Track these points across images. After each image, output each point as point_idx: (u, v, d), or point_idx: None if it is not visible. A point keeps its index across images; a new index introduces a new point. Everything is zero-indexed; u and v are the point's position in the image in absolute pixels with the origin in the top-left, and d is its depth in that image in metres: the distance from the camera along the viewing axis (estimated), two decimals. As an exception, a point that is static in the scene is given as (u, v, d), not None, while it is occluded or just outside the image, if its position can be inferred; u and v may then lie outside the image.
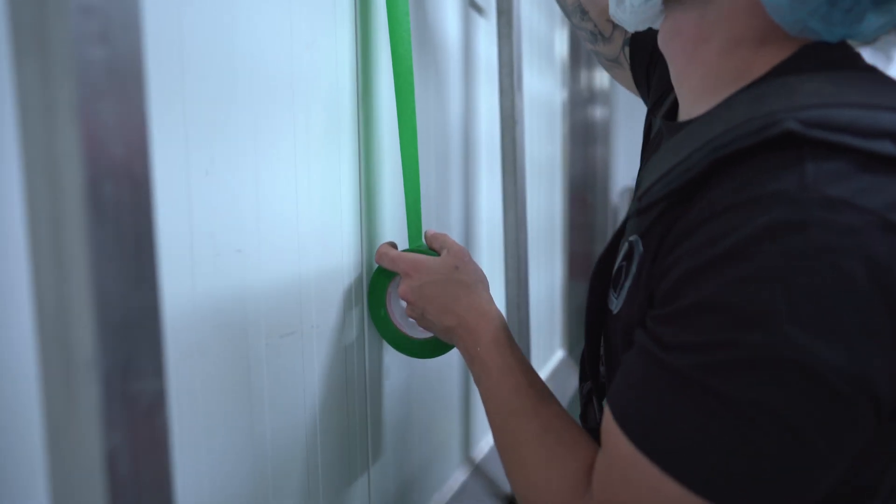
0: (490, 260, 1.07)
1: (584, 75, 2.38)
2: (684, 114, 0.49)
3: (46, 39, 0.25)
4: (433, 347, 0.66)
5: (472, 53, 0.96)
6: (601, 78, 2.52)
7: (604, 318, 0.52)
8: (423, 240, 0.67)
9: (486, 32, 1.02)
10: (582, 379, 0.60)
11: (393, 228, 0.71)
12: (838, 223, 0.32)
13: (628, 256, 0.46)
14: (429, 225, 0.81)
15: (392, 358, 0.73)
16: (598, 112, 2.56)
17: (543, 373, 1.54)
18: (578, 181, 2.35)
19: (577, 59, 2.20)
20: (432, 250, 0.64)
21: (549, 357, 1.63)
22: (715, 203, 0.36)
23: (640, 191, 0.43)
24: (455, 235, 0.91)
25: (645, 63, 0.69)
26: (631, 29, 0.51)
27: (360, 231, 0.64)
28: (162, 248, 0.40)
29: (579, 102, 2.29)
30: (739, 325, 0.33)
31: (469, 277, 0.59)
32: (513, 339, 0.55)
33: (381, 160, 0.68)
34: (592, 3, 0.70)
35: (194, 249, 0.43)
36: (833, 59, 0.41)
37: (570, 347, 1.77)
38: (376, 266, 0.65)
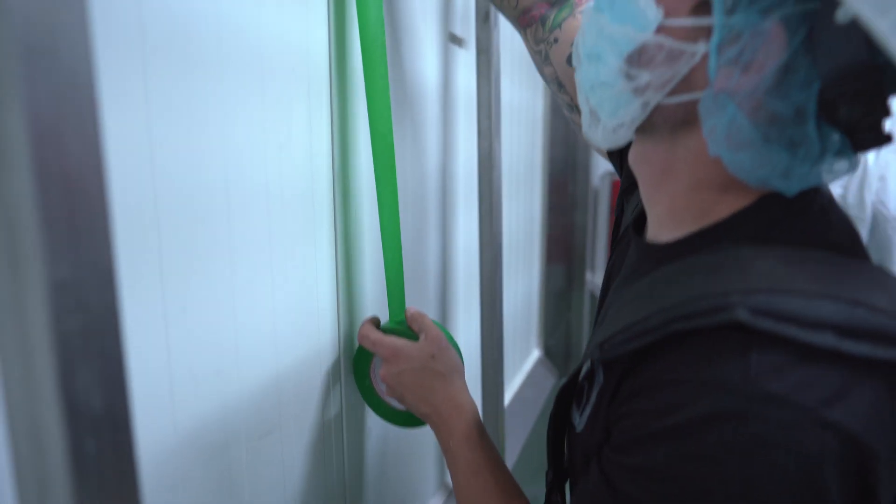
0: (467, 278, 1.09)
1: None
2: (652, 233, 0.51)
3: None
4: (415, 419, 0.69)
5: (451, 87, 0.96)
6: None
7: (567, 429, 0.54)
8: (407, 315, 0.68)
9: (466, 64, 1.01)
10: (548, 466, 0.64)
11: (374, 300, 0.73)
12: (775, 418, 0.34)
13: (589, 377, 0.48)
14: (407, 262, 0.83)
15: (375, 419, 0.76)
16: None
17: (520, 374, 1.59)
18: (559, 165, 2.36)
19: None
20: (411, 330, 0.66)
21: (526, 357, 1.67)
22: (666, 372, 0.38)
23: (604, 335, 0.45)
24: (432, 259, 0.93)
25: (619, 148, 0.70)
26: (603, 147, 0.52)
27: (338, 311, 0.66)
28: (141, 388, 0.41)
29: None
30: (678, 498, 0.36)
31: (445, 367, 0.61)
32: (485, 434, 0.58)
33: (360, 230, 0.69)
34: (568, 78, 0.70)
35: (174, 384, 0.45)
36: (789, 213, 0.42)
37: (547, 347, 1.82)
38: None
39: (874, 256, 1.24)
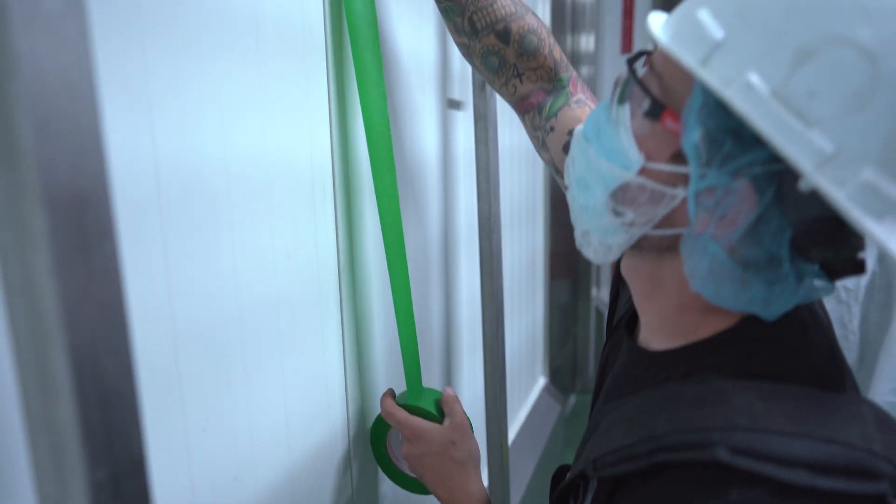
0: (470, 330, 1.12)
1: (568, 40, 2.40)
2: (643, 336, 0.54)
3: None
4: (425, 488, 0.73)
5: (451, 149, 0.99)
6: (586, 41, 2.54)
7: None
8: (443, 397, 0.71)
9: (464, 126, 1.04)
10: None
11: (383, 379, 0.76)
12: None
13: (583, 477, 0.51)
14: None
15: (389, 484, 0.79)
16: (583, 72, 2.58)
17: (525, 406, 1.62)
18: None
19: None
20: (440, 411, 0.70)
21: (531, 387, 1.70)
22: (650, 499, 0.41)
23: (596, 451, 0.47)
24: (435, 314, 0.96)
25: None
26: (595, 262, 0.55)
27: (346, 398, 0.69)
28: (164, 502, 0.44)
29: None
30: None
31: (463, 454, 0.65)
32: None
33: (369, 310, 0.72)
34: (564, 165, 0.73)
35: (195, 496, 0.48)
36: (769, 338, 0.45)
37: (552, 374, 1.85)
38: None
39: (881, 292, 1.25)
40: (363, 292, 0.72)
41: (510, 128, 1.36)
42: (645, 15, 2.00)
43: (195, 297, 0.47)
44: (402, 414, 0.68)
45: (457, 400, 0.71)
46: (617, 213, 0.46)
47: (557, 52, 0.68)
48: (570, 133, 0.68)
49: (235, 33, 0.50)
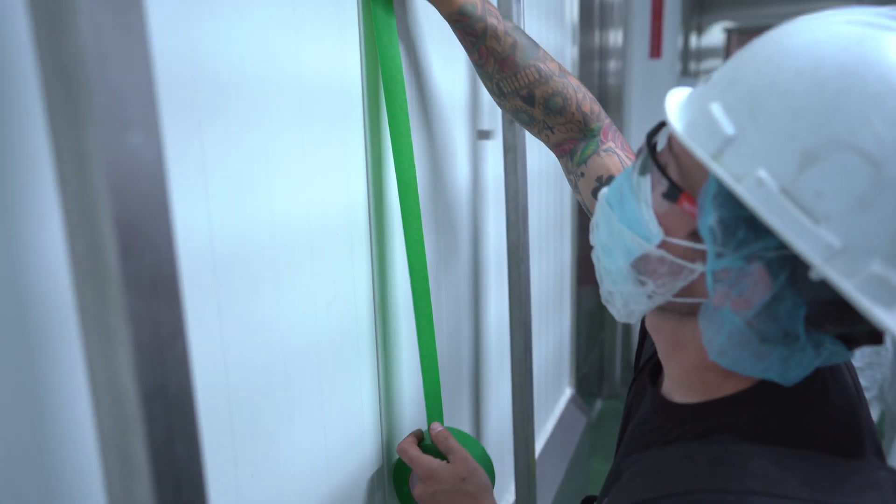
0: (498, 354, 1.14)
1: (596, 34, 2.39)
2: (667, 386, 0.56)
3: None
4: None
5: (481, 178, 1.02)
6: (614, 37, 2.53)
7: None
8: (432, 435, 0.74)
9: (494, 154, 1.07)
10: None
11: (419, 418, 0.79)
12: None
13: None
14: (444, 346, 0.89)
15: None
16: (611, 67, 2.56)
17: (552, 418, 1.64)
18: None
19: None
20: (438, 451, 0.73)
21: (558, 397, 1.72)
22: None
23: (618, 500, 0.50)
24: (465, 337, 0.99)
25: None
26: (619, 321, 0.57)
27: (381, 433, 0.73)
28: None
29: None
30: None
31: (475, 487, 0.68)
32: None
33: (399, 353, 0.75)
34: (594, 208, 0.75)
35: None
36: (787, 403, 0.47)
37: (579, 381, 1.86)
38: None
39: None
40: (395, 334, 0.75)
41: (539, 151, 1.38)
42: (674, 16, 1.99)
43: (245, 352, 0.51)
44: (414, 452, 0.71)
45: (448, 435, 0.73)
46: (638, 282, 0.48)
47: (587, 105, 0.70)
48: (599, 179, 0.70)
49: (281, 103, 0.53)
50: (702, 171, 0.43)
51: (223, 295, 0.48)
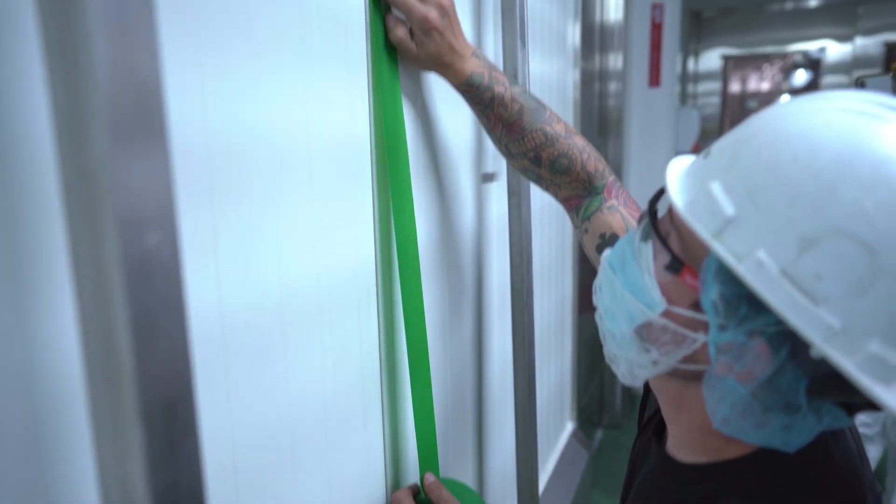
0: (501, 396, 1.14)
1: (597, 58, 2.41)
2: (671, 444, 0.56)
3: None
4: None
5: (485, 219, 1.02)
6: (614, 60, 2.55)
7: None
8: (424, 485, 0.73)
9: (497, 195, 1.07)
10: None
11: (417, 475, 0.79)
12: None
13: None
14: (447, 392, 0.88)
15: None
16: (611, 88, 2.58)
17: (554, 453, 1.63)
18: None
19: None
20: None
21: (560, 432, 1.71)
22: None
23: None
24: (468, 382, 0.98)
25: None
26: (623, 383, 0.57)
27: (386, 486, 0.72)
28: None
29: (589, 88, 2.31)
30: None
31: None
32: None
33: (406, 404, 0.75)
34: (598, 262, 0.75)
35: None
36: (790, 466, 0.46)
37: (580, 419, 1.85)
38: None
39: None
40: (402, 388, 0.74)
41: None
42: (672, 43, 2.01)
43: (253, 419, 0.50)
44: (408, 502, 0.70)
45: (440, 486, 0.73)
46: (642, 350, 0.48)
47: (591, 165, 0.71)
48: (602, 237, 0.71)
49: (291, 167, 0.53)
50: (703, 245, 0.43)
51: (231, 364, 0.48)
